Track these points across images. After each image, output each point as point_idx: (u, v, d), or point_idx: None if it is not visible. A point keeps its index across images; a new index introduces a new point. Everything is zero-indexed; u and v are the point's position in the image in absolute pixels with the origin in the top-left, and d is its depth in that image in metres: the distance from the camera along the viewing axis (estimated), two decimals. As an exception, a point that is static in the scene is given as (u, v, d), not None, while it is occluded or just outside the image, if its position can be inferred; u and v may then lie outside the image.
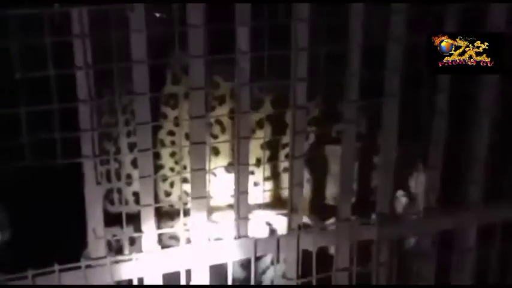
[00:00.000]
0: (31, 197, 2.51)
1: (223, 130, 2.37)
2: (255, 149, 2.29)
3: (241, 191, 2.09)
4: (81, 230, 2.03)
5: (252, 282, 2.15)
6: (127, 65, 1.87)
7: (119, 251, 2.38)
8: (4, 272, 1.91)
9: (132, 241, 2.34)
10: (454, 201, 2.32)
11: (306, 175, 2.29)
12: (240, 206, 2.10)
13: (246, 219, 2.12)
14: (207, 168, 2.06)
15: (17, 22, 1.73)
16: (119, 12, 1.84)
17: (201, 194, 2.06)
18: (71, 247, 2.14)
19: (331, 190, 2.39)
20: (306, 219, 2.23)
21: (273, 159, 2.38)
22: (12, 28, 1.73)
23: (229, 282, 2.13)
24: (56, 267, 1.94)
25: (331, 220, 2.25)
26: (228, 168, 2.37)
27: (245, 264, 2.20)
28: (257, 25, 1.94)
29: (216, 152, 2.37)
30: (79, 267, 1.98)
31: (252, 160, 2.28)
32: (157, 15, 2.39)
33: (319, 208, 2.39)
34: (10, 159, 1.80)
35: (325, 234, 2.22)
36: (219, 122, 2.37)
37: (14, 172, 1.81)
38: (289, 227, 2.16)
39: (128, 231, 2.16)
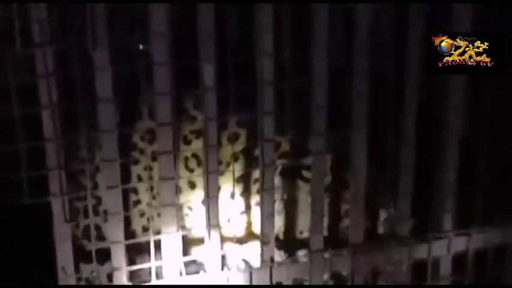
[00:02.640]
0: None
1: (199, 163, 2.37)
2: (229, 183, 2.30)
3: (212, 224, 2.10)
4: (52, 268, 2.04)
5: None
6: (92, 103, 1.88)
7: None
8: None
9: (110, 278, 2.35)
10: (427, 230, 2.32)
11: (278, 208, 2.29)
12: (212, 240, 2.11)
13: (219, 253, 2.13)
14: (177, 203, 2.07)
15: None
16: (83, 51, 1.85)
17: (172, 229, 2.07)
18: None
19: (302, 222, 2.40)
20: (277, 252, 2.23)
21: (246, 192, 2.39)
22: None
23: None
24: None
25: (303, 252, 2.25)
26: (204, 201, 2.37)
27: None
28: (222, 61, 1.96)
29: (192, 185, 2.38)
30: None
31: (226, 194, 2.29)
32: (141, 47, 2.40)
33: (291, 240, 2.39)
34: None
35: (298, 266, 2.22)
36: (195, 156, 2.38)
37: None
38: (262, 260, 2.16)
39: (106, 267, 2.17)
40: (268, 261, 2.16)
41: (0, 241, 2.51)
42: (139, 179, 2.36)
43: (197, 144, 2.33)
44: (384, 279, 2.34)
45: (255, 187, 2.37)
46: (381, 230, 2.37)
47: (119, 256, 2.05)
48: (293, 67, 2.05)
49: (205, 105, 2.00)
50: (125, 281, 2.06)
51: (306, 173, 2.33)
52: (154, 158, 2.33)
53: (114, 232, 2.03)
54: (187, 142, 2.33)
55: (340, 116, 2.13)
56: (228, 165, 2.31)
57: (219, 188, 2.12)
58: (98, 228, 2.43)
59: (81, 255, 2.11)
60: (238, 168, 2.32)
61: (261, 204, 2.14)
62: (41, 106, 1.85)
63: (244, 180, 2.38)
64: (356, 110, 2.13)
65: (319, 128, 2.10)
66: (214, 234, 2.11)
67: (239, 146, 2.31)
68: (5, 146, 1.82)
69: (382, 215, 2.37)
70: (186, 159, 2.35)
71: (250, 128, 2.29)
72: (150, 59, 1.93)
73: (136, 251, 2.27)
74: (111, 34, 1.86)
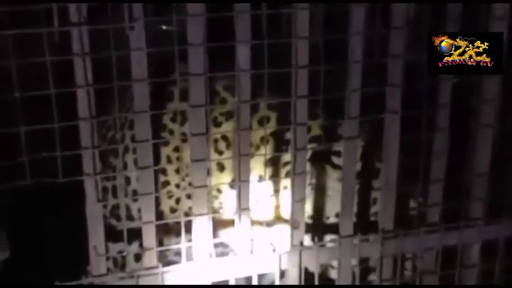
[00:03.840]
0: (31, 215, 2.53)
1: (228, 146, 2.37)
2: (258, 166, 2.29)
3: (242, 208, 2.09)
4: (83, 247, 2.05)
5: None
6: (127, 83, 1.88)
7: (123, 267, 2.39)
8: (6, 290, 1.93)
9: (138, 258, 2.36)
10: (457, 217, 2.31)
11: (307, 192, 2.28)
12: (242, 223, 2.11)
13: (248, 236, 2.13)
14: (208, 184, 2.06)
15: (18, 41, 1.75)
16: (119, 30, 1.85)
17: (203, 211, 2.07)
18: (72, 265, 2.15)
19: (331, 207, 2.39)
20: (306, 237, 2.22)
21: (275, 176, 2.38)
22: (13, 47, 1.75)
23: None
24: (57, 284, 1.95)
25: (332, 237, 2.25)
26: (232, 184, 2.37)
27: (247, 282, 2.20)
28: (258, 43, 1.95)
29: (221, 168, 2.37)
30: (80, 285, 1.99)
31: (255, 177, 2.29)
32: (164, 27, 2.40)
33: (317, 226, 2.39)
34: (10, 178, 1.82)
35: (327, 251, 2.21)
36: (224, 138, 2.37)
37: (14, 191, 1.82)
38: (291, 244, 2.16)
39: (133, 247, 2.18)
40: (298, 246, 2.16)
41: (33, 221, 2.53)
42: (169, 160, 2.37)
43: (227, 127, 2.33)
44: (413, 266, 2.34)
45: (283, 171, 2.37)
46: (411, 216, 2.35)
47: (150, 236, 2.04)
48: (328, 50, 2.02)
49: (240, 87, 1.99)
50: (154, 261, 2.06)
51: (335, 159, 2.32)
52: (184, 140, 2.34)
53: (146, 212, 2.02)
54: (217, 124, 2.33)
55: (374, 102, 2.12)
56: (257, 148, 2.31)
57: (248, 171, 2.11)
58: (126, 208, 2.45)
59: (108, 235, 2.11)
60: (267, 151, 2.31)
61: (292, 188, 2.13)
62: (76, 85, 1.84)
63: (273, 164, 2.38)
64: (390, 95, 2.11)
65: (352, 113, 2.09)
66: (245, 217, 2.11)
67: (269, 129, 2.31)
68: (39, 125, 1.82)
69: (413, 201, 2.35)
70: (216, 141, 2.35)
71: (281, 111, 2.28)
72: (185, 40, 1.92)
73: (163, 232, 2.27)
74: (147, 14, 1.86)
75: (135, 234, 2.11)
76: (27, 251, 2.06)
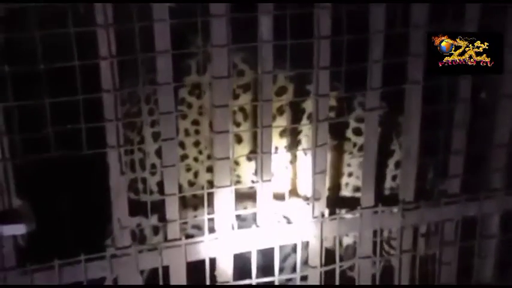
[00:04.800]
0: (56, 187, 2.53)
1: (245, 118, 2.36)
2: (274, 137, 2.29)
3: (264, 179, 2.09)
4: (106, 219, 2.05)
5: (276, 270, 2.16)
6: (151, 55, 1.87)
7: (142, 240, 2.40)
8: (31, 262, 1.93)
9: (156, 231, 2.37)
10: (477, 188, 2.31)
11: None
12: (263, 195, 2.11)
13: (270, 207, 2.13)
14: (230, 156, 2.06)
15: (41, 13, 1.74)
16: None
17: (225, 183, 2.07)
18: (95, 237, 2.16)
19: (348, 180, 2.39)
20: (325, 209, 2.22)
21: (293, 147, 2.37)
22: (36, 19, 1.74)
23: (253, 271, 2.13)
24: (82, 257, 1.96)
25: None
26: (250, 156, 2.36)
27: (266, 252, 2.20)
28: (280, 14, 1.94)
29: (238, 140, 2.37)
30: (104, 257, 1.99)
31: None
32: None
33: (336, 197, 2.39)
34: (35, 150, 1.82)
35: (348, 222, 2.22)
36: (242, 110, 2.37)
37: (39, 162, 1.82)
38: (313, 215, 2.16)
39: (151, 220, 2.18)
40: (319, 217, 2.16)
41: (57, 193, 2.53)
42: (187, 133, 2.36)
43: (245, 99, 2.32)
44: (434, 237, 2.34)
45: (302, 142, 2.36)
46: (431, 187, 2.35)
47: (172, 208, 2.04)
48: (350, 21, 2.01)
49: (261, 59, 1.98)
50: (177, 233, 2.06)
51: (354, 130, 2.32)
52: (201, 113, 2.33)
53: (168, 184, 2.02)
54: (235, 96, 2.32)
55: (396, 72, 2.11)
56: (274, 118, 2.30)
57: (270, 143, 2.11)
58: (143, 181, 2.45)
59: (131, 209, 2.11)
60: (284, 122, 2.31)
61: (313, 159, 2.13)
62: (99, 57, 1.83)
63: (291, 134, 2.37)
64: (411, 66, 2.10)
65: (374, 83, 2.08)
66: (266, 188, 2.11)
67: (286, 100, 2.30)
68: (64, 98, 1.81)
69: (433, 172, 2.36)
70: (234, 113, 2.33)
71: (298, 82, 2.27)
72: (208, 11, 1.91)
73: (181, 206, 2.27)
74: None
75: (153, 208, 2.10)
76: (53, 224, 2.06)
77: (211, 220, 2.10)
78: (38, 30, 1.74)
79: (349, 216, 2.23)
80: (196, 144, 2.39)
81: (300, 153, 2.37)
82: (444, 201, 2.27)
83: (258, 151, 2.08)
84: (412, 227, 2.27)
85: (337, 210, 2.30)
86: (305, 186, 2.34)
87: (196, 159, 2.40)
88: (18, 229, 1.85)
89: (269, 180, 2.10)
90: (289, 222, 2.30)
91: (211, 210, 2.09)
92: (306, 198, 2.32)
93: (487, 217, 2.36)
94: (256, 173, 2.15)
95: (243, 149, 2.36)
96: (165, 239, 2.09)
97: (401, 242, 2.27)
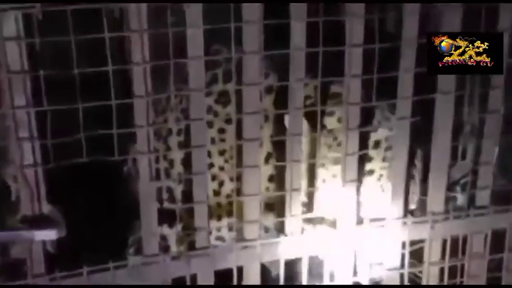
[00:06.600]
0: (86, 193, 2.52)
1: (266, 120, 2.33)
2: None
3: (293, 188, 2.08)
4: (134, 227, 2.04)
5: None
6: (184, 60, 1.87)
7: (166, 249, 2.39)
8: (60, 269, 1.92)
9: (181, 240, 2.36)
10: (507, 200, 2.29)
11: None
12: (292, 204, 2.10)
13: (299, 216, 2.12)
14: (259, 164, 2.05)
15: (75, 17, 1.74)
16: (175, 7, 1.83)
17: (254, 192, 2.05)
18: (123, 245, 2.15)
19: None
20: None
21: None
22: (70, 23, 1.74)
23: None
24: (111, 264, 1.94)
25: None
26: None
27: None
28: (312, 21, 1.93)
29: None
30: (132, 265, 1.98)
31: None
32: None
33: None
34: (66, 155, 1.81)
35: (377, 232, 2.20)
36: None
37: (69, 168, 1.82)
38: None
39: (175, 230, 2.17)
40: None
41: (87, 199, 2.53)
42: (213, 141, 2.35)
43: (268, 103, 2.30)
44: (463, 249, 2.32)
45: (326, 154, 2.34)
46: (460, 199, 2.33)
47: (202, 216, 2.03)
48: (382, 29, 2.01)
49: (293, 66, 1.97)
50: (206, 241, 2.05)
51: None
52: (227, 121, 2.32)
53: (198, 192, 2.01)
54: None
55: (426, 81, 2.10)
56: None
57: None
58: (169, 190, 2.45)
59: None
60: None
61: (343, 170, 2.12)
62: (133, 63, 1.83)
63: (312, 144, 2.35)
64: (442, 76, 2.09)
65: (405, 93, 2.07)
66: (295, 198, 2.10)
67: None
68: (96, 103, 1.81)
69: (462, 184, 2.34)
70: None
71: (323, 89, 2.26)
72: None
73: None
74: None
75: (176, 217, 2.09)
76: (82, 230, 2.05)
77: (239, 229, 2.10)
78: (74, 35, 1.73)
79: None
80: (222, 153, 2.38)
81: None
82: (473, 213, 2.25)
83: (289, 160, 2.06)
84: (441, 238, 2.25)
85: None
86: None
87: (221, 168, 2.39)
88: (49, 235, 1.84)
89: (297, 190, 2.09)
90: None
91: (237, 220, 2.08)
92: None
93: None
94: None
95: (263, 152, 2.33)
96: (191, 248, 2.08)
97: (430, 253, 2.25)
